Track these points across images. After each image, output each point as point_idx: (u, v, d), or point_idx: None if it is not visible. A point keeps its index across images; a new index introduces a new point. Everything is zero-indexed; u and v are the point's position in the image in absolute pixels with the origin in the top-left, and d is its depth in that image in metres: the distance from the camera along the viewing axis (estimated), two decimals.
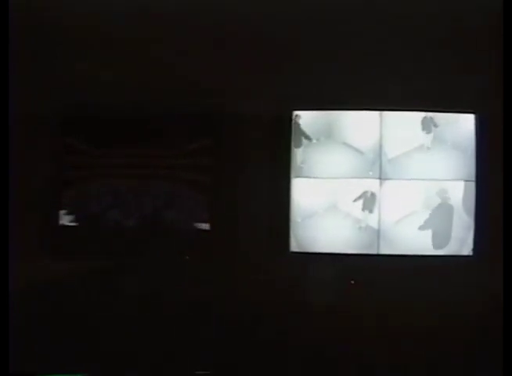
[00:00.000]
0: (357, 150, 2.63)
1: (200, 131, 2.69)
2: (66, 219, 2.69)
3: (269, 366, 2.26)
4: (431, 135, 2.60)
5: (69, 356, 2.23)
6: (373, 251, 2.59)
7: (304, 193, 2.65)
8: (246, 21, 2.49)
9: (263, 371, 2.25)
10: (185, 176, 2.68)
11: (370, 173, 2.62)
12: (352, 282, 2.54)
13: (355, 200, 2.61)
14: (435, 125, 2.60)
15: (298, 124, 2.66)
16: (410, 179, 2.60)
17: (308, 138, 2.65)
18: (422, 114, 2.61)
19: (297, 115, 2.66)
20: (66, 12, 2.48)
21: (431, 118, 2.60)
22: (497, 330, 1.79)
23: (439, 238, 2.58)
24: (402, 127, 2.62)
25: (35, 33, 2.56)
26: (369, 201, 2.60)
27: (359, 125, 2.64)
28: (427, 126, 2.60)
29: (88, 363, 2.18)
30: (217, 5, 2.42)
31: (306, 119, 2.66)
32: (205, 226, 2.66)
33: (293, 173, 2.65)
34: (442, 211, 2.58)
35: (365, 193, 2.61)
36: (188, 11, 2.45)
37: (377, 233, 2.60)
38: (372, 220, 2.60)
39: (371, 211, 2.60)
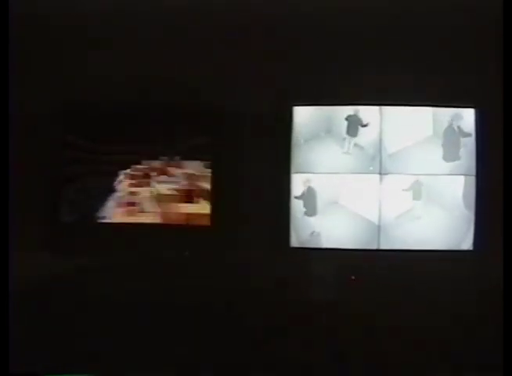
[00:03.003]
0: (357, 145, 2.62)
1: (199, 127, 2.69)
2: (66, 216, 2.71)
3: (268, 365, 2.26)
4: (431, 130, 2.60)
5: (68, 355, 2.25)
6: (374, 247, 2.59)
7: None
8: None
9: (263, 371, 2.25)
10: (185, 171, 2.69)
11: (371, 168, 2.62)
12: (353, 278, 2.54)
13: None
14: (436, 120, 2.59)
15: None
16: (410, 174, 2.59)
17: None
18: (422, 110, 2.60)
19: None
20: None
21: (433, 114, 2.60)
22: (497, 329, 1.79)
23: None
24: (401, 122, 2.60)
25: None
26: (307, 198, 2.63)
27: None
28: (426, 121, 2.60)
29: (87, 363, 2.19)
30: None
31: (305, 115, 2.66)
32: (205, 222, 2.67)
33: (293, 168, 2.65)
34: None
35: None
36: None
37: (378, 229, 2.60)
38: (372, 215, 2.60)
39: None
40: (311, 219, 2.64)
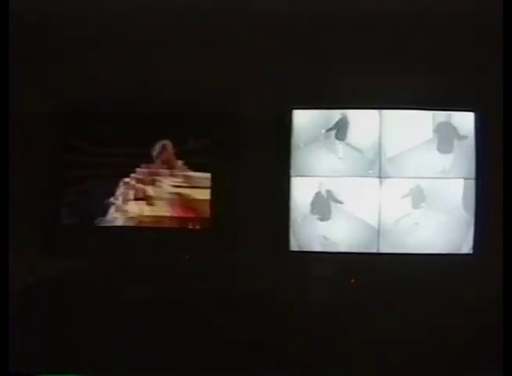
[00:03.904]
0: (356, 149, 2.63)
1: (199, 130, 2.69)
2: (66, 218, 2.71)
3: (268, 367, 2.26)
4: (430, 133, 2.60)
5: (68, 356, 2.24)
6: (373, 250, 2.59)
7: (304, 192, 2.65)
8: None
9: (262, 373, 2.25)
10: (185, 174, 2.69)
11: (370, 172, 2.62)
12: (352, 281, 2.54)
13: None
14: (435, 123, 2.60)
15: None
16: (410, 178, 2.59)
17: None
18: (422, 113, 2.61)
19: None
20: None
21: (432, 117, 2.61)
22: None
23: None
24: (401, 125, 2.61)
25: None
26: None
27: (359, 124, 2.63)
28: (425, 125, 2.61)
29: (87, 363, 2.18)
30: None
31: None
32: (205, 225, 2.66)
33: (293, 172, 2.65)
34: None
35: None
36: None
37: (377, 232, 2.60)
38: (372, 219, 2.60)
39: None
40: (311, 223, 2.64)
